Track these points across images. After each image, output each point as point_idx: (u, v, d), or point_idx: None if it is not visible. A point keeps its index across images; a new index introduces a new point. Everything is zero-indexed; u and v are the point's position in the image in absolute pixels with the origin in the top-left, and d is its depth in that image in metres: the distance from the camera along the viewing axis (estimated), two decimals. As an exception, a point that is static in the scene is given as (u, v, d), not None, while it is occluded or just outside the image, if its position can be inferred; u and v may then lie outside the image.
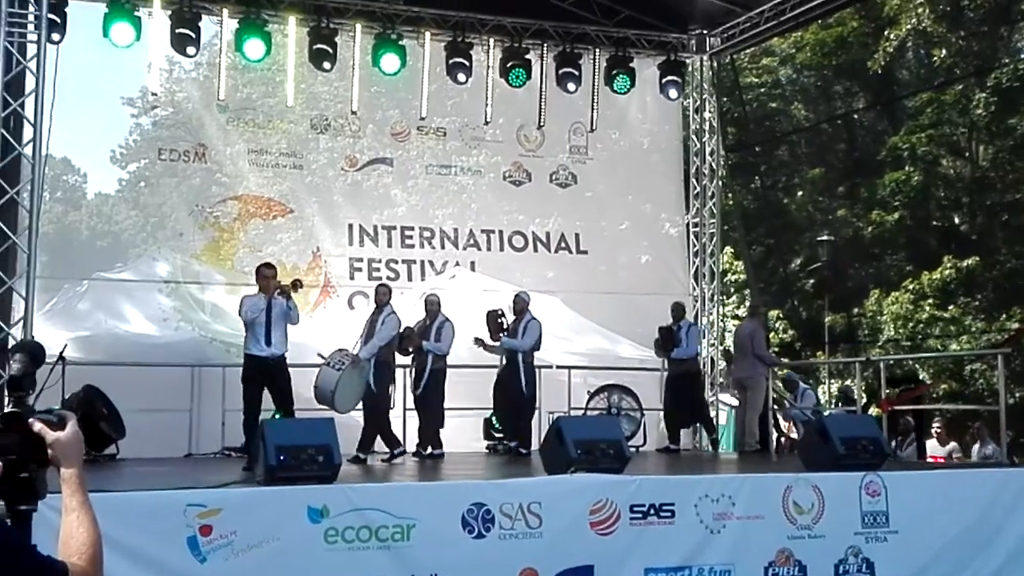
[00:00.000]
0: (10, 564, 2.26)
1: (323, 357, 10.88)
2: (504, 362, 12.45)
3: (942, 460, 13.89)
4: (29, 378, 2.59)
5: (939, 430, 14.79)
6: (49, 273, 14.11)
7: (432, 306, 12.22)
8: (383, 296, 11.74)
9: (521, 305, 12.54)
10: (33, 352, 2.67)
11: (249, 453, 10.20)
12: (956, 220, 28.46)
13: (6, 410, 2.49)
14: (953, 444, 14.71)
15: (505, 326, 12.42)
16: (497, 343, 12.41)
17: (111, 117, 14.95)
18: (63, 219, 15.48)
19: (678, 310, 13.48)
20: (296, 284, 10.66)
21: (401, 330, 11.64)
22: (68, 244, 14.93)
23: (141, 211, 15.23)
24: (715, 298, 15.86)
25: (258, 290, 10.42)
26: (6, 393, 2.56)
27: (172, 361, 11.96)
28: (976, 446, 14.69)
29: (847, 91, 30.68)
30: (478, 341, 12.43)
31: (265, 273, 10.49)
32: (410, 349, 11.91)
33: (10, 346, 8.29)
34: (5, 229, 8.87)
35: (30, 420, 2.49)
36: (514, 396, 12.21)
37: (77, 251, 14.73)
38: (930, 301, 24.62)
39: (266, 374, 10.22)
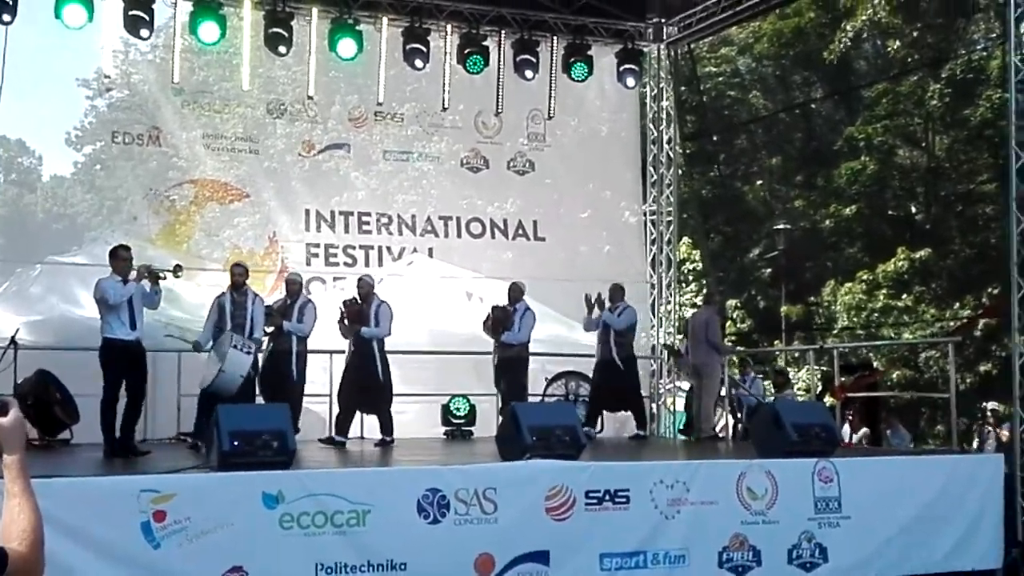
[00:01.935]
0: None
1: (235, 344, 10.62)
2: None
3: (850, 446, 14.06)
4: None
5: (851, 416, 14.87)
6: (3, 256, 14.04)
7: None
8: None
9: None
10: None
11: (105, 437, 10.09)
12: (913, 210, 28.77)
13: None
14: (864, 430, 14.80)
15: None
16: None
17: (66, 99, 14.77)
18: (18, 201, 15.32)
19: (515, 291, 12.85)
20: (177, 268, 10.61)
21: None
22: (23, 227, 14.76)
23: (97, 194, 15.11)
24: (672, 286, 15.92)
25: (111, 272, 10.17)
26: None
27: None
28: (888, 432, 14.91)
29: (805, 81, 30.89)
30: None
31: (122, 256, 10.24)
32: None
33: None
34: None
35: None
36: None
37: (32, 234, 14.55)
38: (884, 291, 24.88)
39: (128, 359, 10.12)
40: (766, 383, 17.40)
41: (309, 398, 11.81)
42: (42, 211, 15.26)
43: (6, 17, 12.11)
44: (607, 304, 13.00)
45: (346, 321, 11.84)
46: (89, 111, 15.43)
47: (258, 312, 11.14)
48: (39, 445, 11.14)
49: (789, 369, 21.94)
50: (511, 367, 12.45)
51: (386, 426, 11.73)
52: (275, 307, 11.67)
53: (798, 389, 18.57)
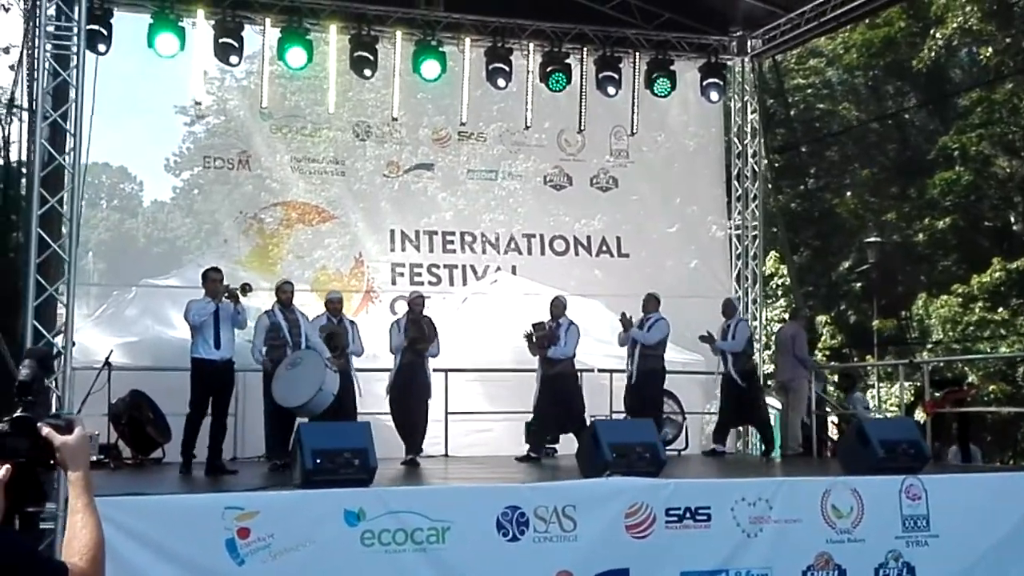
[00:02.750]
0: (12, 564, 2.33)
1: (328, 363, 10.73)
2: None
3: None
4: (37, 383, 2.67)
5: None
6: (107, 280, 14.47)
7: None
8: (287, 294, 11.44)
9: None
10: (41, 358, 2.76)
11: (183, 455, 10.37)
12: (1011, 219, 28.09)
13: (16, 414, 2.57)
14: (954, 448, 14.47)
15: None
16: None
17: (165, 125, 15.14)
18: (120, 227, 15.72)
19: (558, 306, 12.64)
20: (245, 288, 10.73)
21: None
22: (124, 252, 15.15)
23: (195, 218, 15.44)
24: (758, 301, 15.76)
25: (204, 294, 10.51)
26: (16, 398, 2.64)
27: (244, 366, 12.07)
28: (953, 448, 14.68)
29: (898, 91, 30.38)
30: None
31: (212, 277, 10.57)
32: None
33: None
34: (45, 236, 9.03)
35: (38, 424, 2.56)
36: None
37: (134, 258, 14.94)
38: (980, 303, 24.30)
39: (215, 378, 10.34)
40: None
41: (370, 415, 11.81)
42: (143, 236, 15.64)
43: (101, 47, 12.48)
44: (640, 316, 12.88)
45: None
46: (187, 137, 15.79)
47: (310, 330, 11.22)
48: (132, 463, 11.45)
49: (881, 385, 21.56)
50: (563, 383, 12.23)
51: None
52: (327, 328, 11.55)
53: (891, 405, 18.21)
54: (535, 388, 12.24)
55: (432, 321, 11.99)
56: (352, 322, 11.87)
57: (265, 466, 10.90)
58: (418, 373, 11.70)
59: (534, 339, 12.26)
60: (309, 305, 12.38)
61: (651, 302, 13.06)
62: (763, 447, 13.39)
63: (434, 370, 12.10)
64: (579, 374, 12.52)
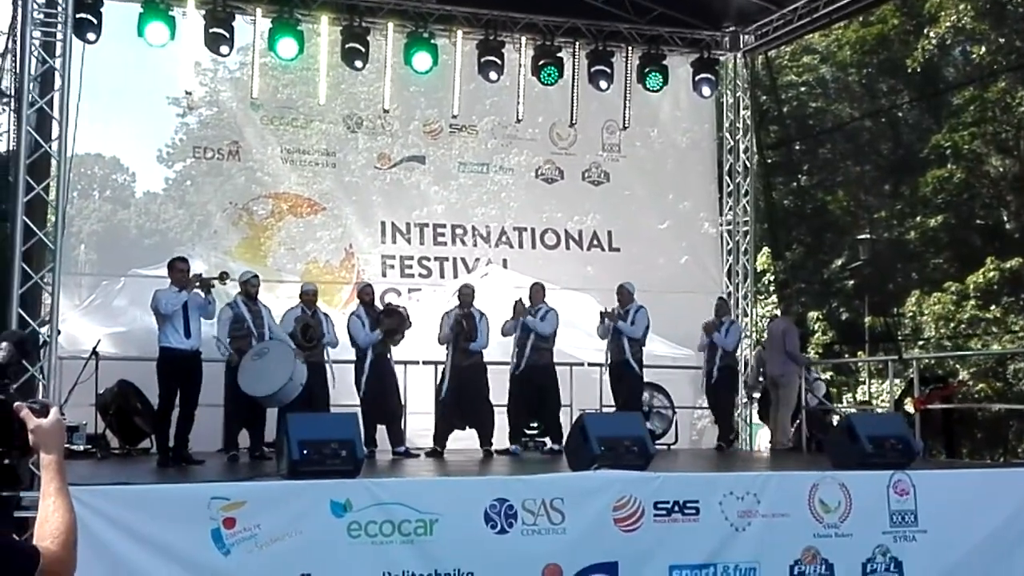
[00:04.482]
0: None
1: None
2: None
3: None
4: (14, 366, 2.64)
5: None
6: (98, 270, 14.43)
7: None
8: (255, 287, 11.41)
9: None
10: (18, 341, 2.72)
11: (158, 446, 10.43)
12: (1004, 217, 28.12)
13: None
14: None
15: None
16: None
17: (158, 116, 15.08)
18: (112, 217, 15.66)
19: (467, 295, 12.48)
20: (223, 276, 10.82)
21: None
22: (116, 242, 15.09)
23: (187, 210, 15.37)
24: (748, 297, 15.74)
25: (170, 284, 10.49)
26: None
27: (207, 356, 12.07)
28: None
29: (891, 89, 30.38)
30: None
31: (179, 267, 10.58)
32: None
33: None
34: (31, 224, 8.98)
35: (15, 405, 2.53)
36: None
37: (125, 249, 14.87)
38: (972, 302, 24.34)
39: (185, 368, 10.33)
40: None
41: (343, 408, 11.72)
42: (135, 227, 15.56)
43: (91, 36, 12.38)
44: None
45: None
46: (179, 128, 15.73)
47: (273, 323, 11.23)
48: (119, 454, 11.41)
49: (872, 381, 21.57)
50: (473, 375, 12.14)
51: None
52: (301, 319, 11.53)
53: (882, 401, 18.21)
54: (446, 379, 12.04)
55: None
56: (326, 315, 11.84)
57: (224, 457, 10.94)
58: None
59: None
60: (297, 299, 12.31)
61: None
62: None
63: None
64: (486, 367, 12.37)
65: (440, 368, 12.24)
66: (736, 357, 14.06)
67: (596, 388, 13.41)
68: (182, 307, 10.30)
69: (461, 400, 11.98)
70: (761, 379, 14.03)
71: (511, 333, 12.49)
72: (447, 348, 12.01)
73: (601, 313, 12.89)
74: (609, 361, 12.96)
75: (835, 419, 13.96)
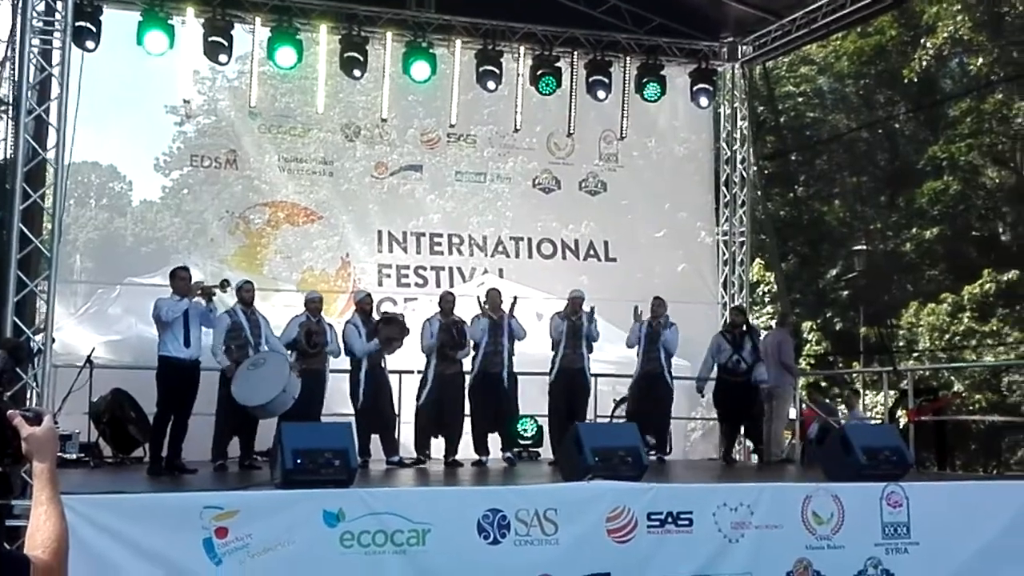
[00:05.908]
0: None
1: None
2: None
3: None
4: (8, 373, 2.65)
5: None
6: (94, 279, 14.42)
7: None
8: (249, 293, 11.29)
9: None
10: (12, 349, 2.74)
11: (151, 454, 10.41)
12: (1000, 229, 28.16)
13: None
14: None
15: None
16: None
17: (155, 125, 15.10)
18: (108, 226, 15.65)
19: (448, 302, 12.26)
20: (224, 284, 10.81)
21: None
22: (112, 251, 15.08)
23: (183, 218, 15.38)
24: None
25: (172, 292, 10.47)
26: None
27: (202, 365, 12.07)
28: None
29: (889, 100, 30.44)
30: None
31: (181, 275, 10.57)
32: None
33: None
34: (27, 232, 9.00)
35: (8, 413, 2.54)
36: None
37: (122, 258, 14.87)
38: (968, 313, 24.35)
39: (184, 377, 10.33)
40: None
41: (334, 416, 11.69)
42: (131, 235, 15.55)
43: (90, 44, 12.40)
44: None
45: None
46: (177, 136, 15.74)
47: (270, 332, 11.22)
48: (112, 462, 11.39)
49: (867, 393, 21.59)
50: (453, 383, 12.03)
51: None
52: (306, 325, 11.54)
53: (876, 412, 18.26)
54: (427, 387, 11.90)
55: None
56: (330, 324, 11.86)
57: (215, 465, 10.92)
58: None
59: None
60: (295, 306, 12.33)
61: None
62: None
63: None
64: (465, 375, 12.21)
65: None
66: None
67: (591, 399, 13.36)
68: (183, 316, 10.29)
69: (443, 408, 11.87)
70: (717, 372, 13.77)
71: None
72: (431, 356, 11.95)
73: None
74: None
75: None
